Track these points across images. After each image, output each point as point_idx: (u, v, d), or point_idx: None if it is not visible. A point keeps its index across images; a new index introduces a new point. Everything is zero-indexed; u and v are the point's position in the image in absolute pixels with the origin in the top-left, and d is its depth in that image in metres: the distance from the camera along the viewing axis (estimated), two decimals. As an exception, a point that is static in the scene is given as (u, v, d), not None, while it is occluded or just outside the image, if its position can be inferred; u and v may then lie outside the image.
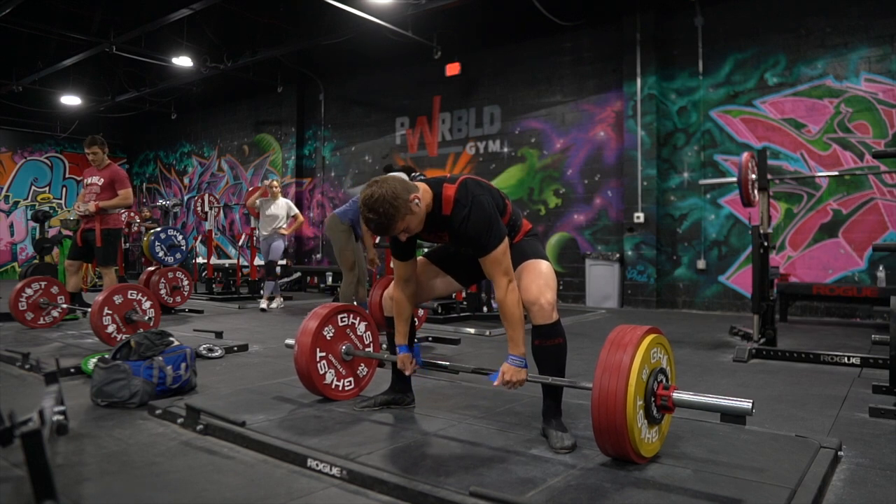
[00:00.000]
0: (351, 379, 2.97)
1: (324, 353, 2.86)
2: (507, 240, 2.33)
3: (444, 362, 2.66)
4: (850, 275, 6.97)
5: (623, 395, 1.92)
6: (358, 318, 3.02)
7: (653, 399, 2.05)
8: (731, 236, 7.77)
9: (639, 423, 1.98)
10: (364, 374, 3.04)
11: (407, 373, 2.66)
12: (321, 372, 2.85)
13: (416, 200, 2.24)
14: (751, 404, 1.95)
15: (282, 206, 7.56)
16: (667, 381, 2.14)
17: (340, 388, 2.92)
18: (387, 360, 2.85)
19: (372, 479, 1.95)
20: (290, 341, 2.97)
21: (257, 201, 7.70)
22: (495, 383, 2.33)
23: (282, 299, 8.02)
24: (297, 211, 7.78)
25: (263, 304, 7.60)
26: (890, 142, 6.77)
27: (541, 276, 2.37)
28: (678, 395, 2.07)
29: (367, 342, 3.04)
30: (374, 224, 2.20)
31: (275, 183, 7.66)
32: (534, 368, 2.40)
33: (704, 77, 7.97)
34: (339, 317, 2.94)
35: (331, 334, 2.88)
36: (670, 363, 2.20)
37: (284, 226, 7.59)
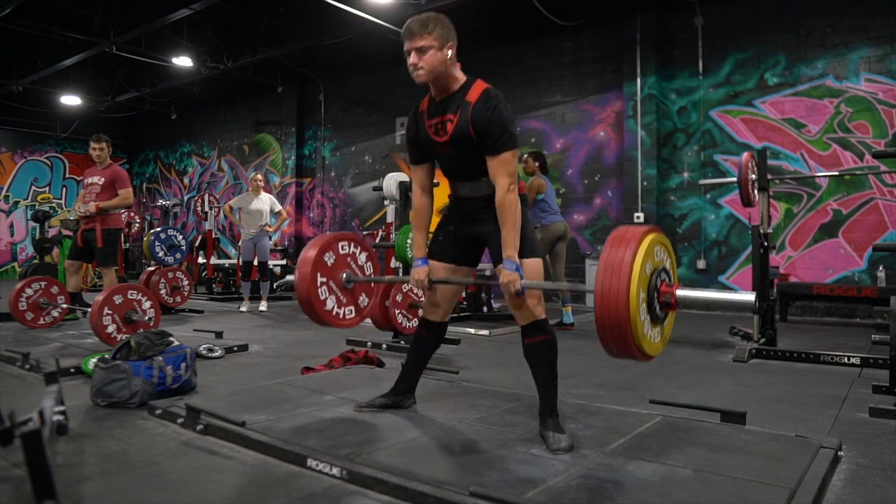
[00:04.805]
0: (352, 307, 2.90)
1: (324, 280, 2.79)
2: (518, 150, 2.35)
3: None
4: (850, 275, 6.97)
5: (626, 288, 1.88)
6: (359, 248, 2.95)
7: (656, 295, 2.01)
8: (731, 236, 7.77)
9: (642, 317, 1.94)
10: (365, 304, 2.98)
11: (423, 289, 2.58)
12: (322, 297, 2.78)
13: (452, 52, 2.36)
14: (754, 296, 1.93)
15: (265, 201, 7.39)
16: (669, 280, 2.11)
17: (342, 316, 2.86)
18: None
19: (372, 479, 1.95)
20: (291, 277, 2.92)
21: (233, 204, 7.51)
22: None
23: (266, 302, 7.67)
24: (280, 207, 7.62)
25: (244, 306, 7.41)
26: (890, 142, 6.77)
27: (528, 276, 2.37)
28: (682, 291, 2.03)
29: (367, 273, 2.97)
30: (420, 19, 2.31)
31: (258, 177, 7.52)
32: (528, 370, 2.41)
33: (704, 77, 7.97)
34: (340, 244, 2.88)
35: (331, 261, 2.82)
36: (673, 267, 2.18)
37: (270, 223, 7.45)
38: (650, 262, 1.99)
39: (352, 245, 2.92)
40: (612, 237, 2.01)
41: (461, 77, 2.42)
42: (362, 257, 2.95)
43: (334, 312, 2.83)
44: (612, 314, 1.89)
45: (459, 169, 2.48)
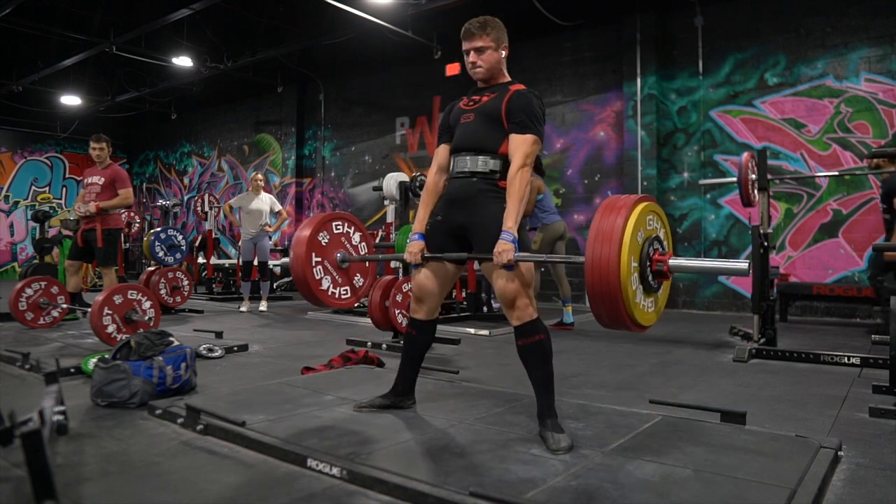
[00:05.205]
0: (347, 288, 2.91)
1: (319, 259, 2.80)
2: (540, 145, 2.42)
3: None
4: (850, 275, 6.97)
5: (616, 257, 1.85)
6: (353, 228, 2.94)
7: (648, 264, 1.97)
8: (731, 236, 7.77)
9: (633, 286, 1.90)
10: (361, 284, 2.98)
11: (412, 261, 2.58)
12: (317, 277, 2.79)
13: (506, 52, 2.58)
14: (747, 264, 1.93)
15: (265, 201, 7.42)
16: (662, 249, 2.08)
17: (337, 296, 2.87)
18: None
19: (372, 479, 1.95)
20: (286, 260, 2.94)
21: (233, 203, 7.59)
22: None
23: (266, 302, 7.73)
24: (280, 207, 7.66)
25: (244, 306, 7.44)
26: (890, 142, 6.77)
27: (519, 276, 2.36)
28: (675, 260, 2.01)
29: (362, 252, 2.97)
30: (478, 21, 2.49)
31: (258, 176, 7.54)
32: (523, 371, 2.41)
33: (704, 77, 7.97)
34: (334, 224, 2.88)
35: (326, 240, 2.83)
36: (667, 236, 2.15)
37: (270, 223, 7.47)
38: (642, 231, 1.95)
39: (346, 224, 2.92)
40: (603, 205, 2.00)
41: (508, 77, 2.61)
42: (356, 237, 2.95)
43: (330, 292, 2.84)
44: (603, 283, 1.86)
45: (468, 139, 2.52)
